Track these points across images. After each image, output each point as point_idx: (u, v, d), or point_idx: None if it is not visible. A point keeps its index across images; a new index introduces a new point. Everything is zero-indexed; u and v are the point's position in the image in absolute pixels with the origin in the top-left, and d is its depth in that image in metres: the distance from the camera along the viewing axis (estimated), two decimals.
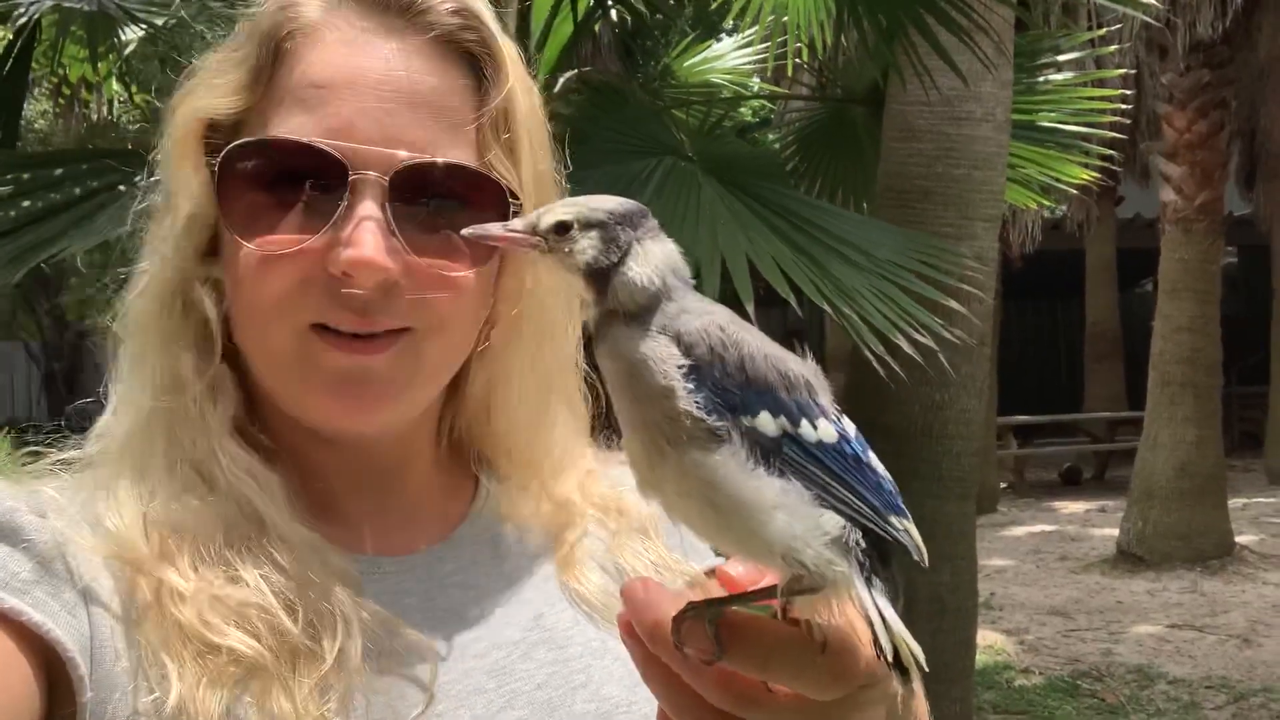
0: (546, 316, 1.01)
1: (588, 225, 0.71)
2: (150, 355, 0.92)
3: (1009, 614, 8.72)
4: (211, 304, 0.92)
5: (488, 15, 0.95)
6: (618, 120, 3.93)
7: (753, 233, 3.30)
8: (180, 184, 0.91)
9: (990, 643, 7.63)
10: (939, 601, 4.10)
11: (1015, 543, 11.56)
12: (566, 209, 0.72)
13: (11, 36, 4.14)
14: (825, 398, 0.71)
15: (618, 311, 0.71)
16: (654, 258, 0.72)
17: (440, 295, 0.90)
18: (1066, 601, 9.12)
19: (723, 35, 6.93)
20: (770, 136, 9.36)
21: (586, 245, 0.71)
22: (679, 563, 1.07)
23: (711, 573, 1.08)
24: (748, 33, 5.91)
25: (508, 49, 0.95)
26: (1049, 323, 20.43)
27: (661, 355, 0.68)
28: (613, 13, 5.05)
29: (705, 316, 0.70)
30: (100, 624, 0.81)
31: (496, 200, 0.92)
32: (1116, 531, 10.64)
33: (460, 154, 0.91)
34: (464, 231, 0.75)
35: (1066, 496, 14.44)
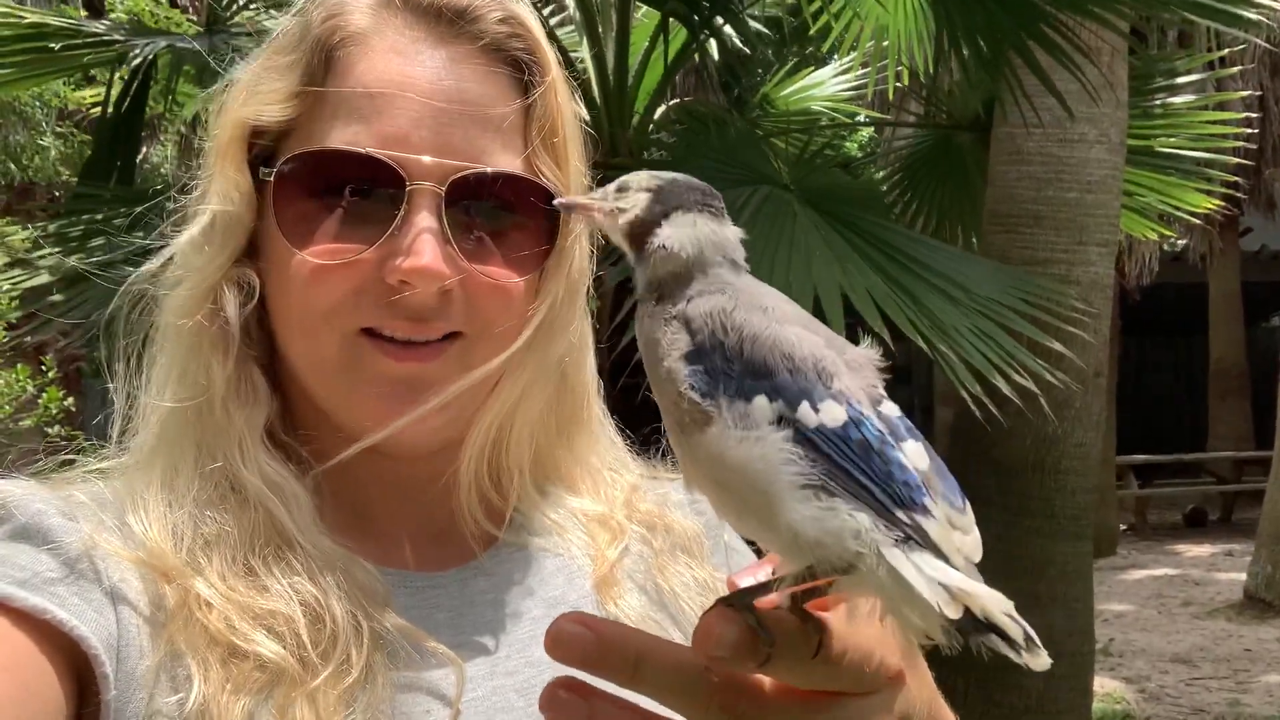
0: (572, 324, 1.00)
1: (644, 189, 0.72)
2: (181, 358, 0.92)
3: (1129, 661, 8.39)
4: (236, 307, 0.91)
5: (533, 21, 0.96)
6: (714, 149, 3.90)
7: (848, 264, 3.23)
8: (221, 188, 0.91)
9: (1109, 690, 7.37)
10: (1051, 645, 3.82)
11: (1136, 587, 11.16)
12: (634, 175, 0.73)
13: (127, 76, 4.29)
14: (848, 380, 0.65)
15: (653, 288, 0.70)
16: (698, 229, 0.70)
17: (492, 302, 0.91)
18: (1190, 649, 8.74)
19: (814, 65, 6.87)
20: (877, 173, 9.23)
21: (634, 203, 0.71)
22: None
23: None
24: (847, 59, 5.83)
25: (551, 54, 0.96)
26: (1169, 358, 19.77)
27: (669, 339, 0.66)
28: (710, 45, 5.04)
29: (716, 297, 0.67)
30: (128, 623, 0.81)
31: (545, 205, 0.93)
32: (1244, 576, 10.20)
33: (508, 160, 0.92)
34: (555, 202, 0.87)
35: (1190, 539, 13.90)
